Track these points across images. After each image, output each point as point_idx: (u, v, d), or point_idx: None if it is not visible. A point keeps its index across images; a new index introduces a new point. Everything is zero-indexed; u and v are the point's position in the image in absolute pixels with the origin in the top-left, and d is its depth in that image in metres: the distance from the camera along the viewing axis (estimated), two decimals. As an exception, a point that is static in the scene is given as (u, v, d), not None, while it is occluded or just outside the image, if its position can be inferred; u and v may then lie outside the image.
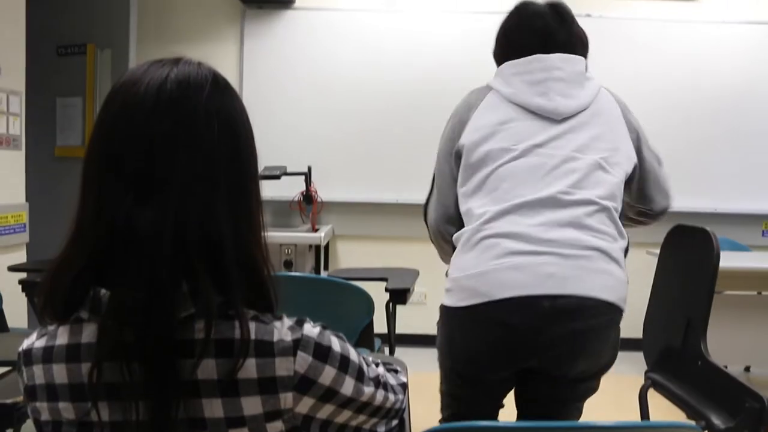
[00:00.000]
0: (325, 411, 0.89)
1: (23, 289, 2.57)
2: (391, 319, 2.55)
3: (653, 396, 2.27)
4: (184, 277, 0.81)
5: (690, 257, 2.14)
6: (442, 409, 1.79)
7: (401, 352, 2.88)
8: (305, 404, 0.86)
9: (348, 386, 0.90)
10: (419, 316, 4.47)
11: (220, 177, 0.85)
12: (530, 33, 1.69)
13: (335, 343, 0.89)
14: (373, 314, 2.21)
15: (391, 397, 1.01)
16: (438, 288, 4.95)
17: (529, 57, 1.65)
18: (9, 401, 1.19)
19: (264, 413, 0.82)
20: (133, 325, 0.78)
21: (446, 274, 1.68)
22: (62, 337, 0.85)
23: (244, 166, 0.90)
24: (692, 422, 1.79)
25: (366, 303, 2.16)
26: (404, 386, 1.10)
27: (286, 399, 0.83)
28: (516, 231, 1.47)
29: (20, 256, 3.35)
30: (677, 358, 2.10)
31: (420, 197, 4.43)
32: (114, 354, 0.79)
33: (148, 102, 0.84)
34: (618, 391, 3.68)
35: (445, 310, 1.62)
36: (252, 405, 0.81)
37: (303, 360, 0.84)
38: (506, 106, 1.61)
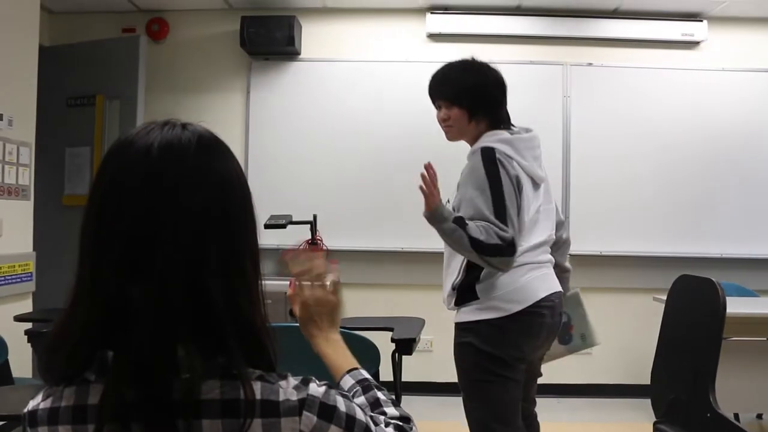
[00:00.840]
0: None
1: (29, 340, 2.58)
2: (398, 369, 2.53)
3: (662, 447, 2.24)
4: (181, 343, 0.81)
5: (696, 307, 2.14)
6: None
7: (408, 401, 2.85)
8: None
9: None
10: (426, 364, 4.44)
11: (209, 245, 0.85)
12: (503, 91, 2.27)
13: (341, 403, 0.89)
14: (378, 364, 2.20)
15: None
16: (444, 335, 4.92)
17: (530, 134, 2.24)
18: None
19: None
20: (134, 388, 0.79)
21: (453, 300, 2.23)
22: (68, 398, 0.85)
23: (236, 229, 0.90)
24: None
25: (371, 353, 2.15)
26: (409, 420, 1.08)
27: None
28: (531, 259, 2.15)
29: (26, 305, 3.35)
30: (686, 408, 2.07)
31: (424, 245, 4.47)
32: (117, 416, 0.80)
33: (133, 179, 0.85)
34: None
35: (495, 320, 2.09)
36: None
37: (308, 420, 0.84)
38: (524, 176, 2.13)
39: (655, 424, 2.07)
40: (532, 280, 2.11)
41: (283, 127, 4.60)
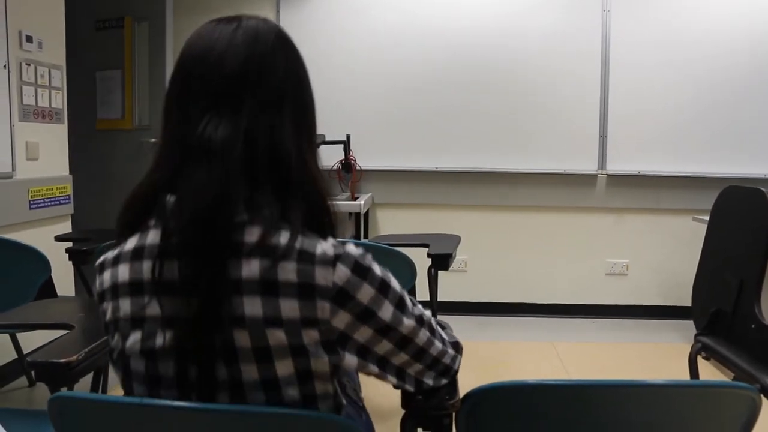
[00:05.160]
0: (363, 333, 0.90)
1: (70, 258, 2.63)
2: (433, 284, 2.53)
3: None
4: (247, 187, 0.87)
5: (743, 218, 2.07)
6: None
7: (442, 320, 2.88)
8: (342, 319, 0.87)
9: (386, 311, 0.91)
10: (460, 284, 4.47)
11: (286, 104, 0.94)
12: None
13: (376, 267, 0.91)
14: (415, 279, 2.20)
15: (438, 344, 1.01)
16: (478, 254, 4.95)
17: None
18: (62, 360, 1.21)
19: (301, 318, 0.84)
20: (193, 226, 0.85)
21: None
22: (131, 243, 0.93)
23: (306, 100, 1.00)
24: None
25: (409, 268, 2.14)
26: (458, 345, 1.09)
27: (323, 309, 0.85)
28: None
29: (66, 227, 3.41)
30: (730, 320, 2.04)
31: (459, 164, 4.40)
32: (172, 252, 0.86)
33: (222, 42, 0.93)
34: (660, 358, 3.64)
35: None
36: (290, 308, 0.84)
37: (342, 273, 0.86)
38: None
39: (696, 336, 2.05)
40: None
41: (315, 47, 4.50)
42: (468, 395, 0.97)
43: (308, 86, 1.01)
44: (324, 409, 0.91)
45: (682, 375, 2.27)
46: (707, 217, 2.93)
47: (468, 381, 1.07)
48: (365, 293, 0.88)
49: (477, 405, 0.97)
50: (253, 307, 0.84)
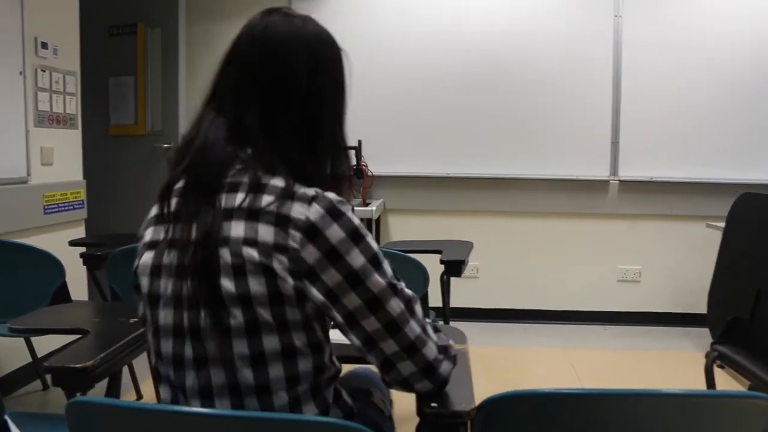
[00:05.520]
0: (331, 277, 0.96)
1: (84, 263, 2.64)
2: (446, 291, 2.53)
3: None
4: (242, 145, 1.04)
5: (760, 225, 2.05)
6: None
7: (454, 326, 2.86)
8: (311, 253, 0.95)
9: (356, 258, 0.97)
10: (472, 290, 4.45)
11: (255, 93, 1.05)
12: None
13: (353, 217, 1.00)
14: (427, 286, 2.20)
15: (416, 328, 1.01)
16: (490, 261, 4.91)
17: None
18: (79, 366, 1.22)
19: (274, 243, 0.95)
20: (190, 173, 1.04)
21: None
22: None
23: (286, 85, 1.06)
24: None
25: (422, 274, 2.14)
26: (447, 349, 1.07)
27: (295, 238, 0.95)
28: None
29: (80, 232, 3.43)
30: (747, 329, 2.02)
31: (470, 170, 4.37)
32: (179, 191, 1.04)
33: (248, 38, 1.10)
34: (673, 365, 3.62)
35: None
36: (266, 232, 0.95)
37: (316, 210, 0.97)
38: None
39: (712, 344, 2.03)
40: None
41: (326, 54, 4.50)
42: (483, 404, 0.96)
43: (298, 79, 1.07)
44: (299, 344, 0.99)
45: (696, 382, 2.25)
46: (721, 224, 2.90)
47: (480, 387, 1.06)
48: (334, 234, 0.96)
49: (492, 413, 0.97)
50: (237, 229, 0.96)
